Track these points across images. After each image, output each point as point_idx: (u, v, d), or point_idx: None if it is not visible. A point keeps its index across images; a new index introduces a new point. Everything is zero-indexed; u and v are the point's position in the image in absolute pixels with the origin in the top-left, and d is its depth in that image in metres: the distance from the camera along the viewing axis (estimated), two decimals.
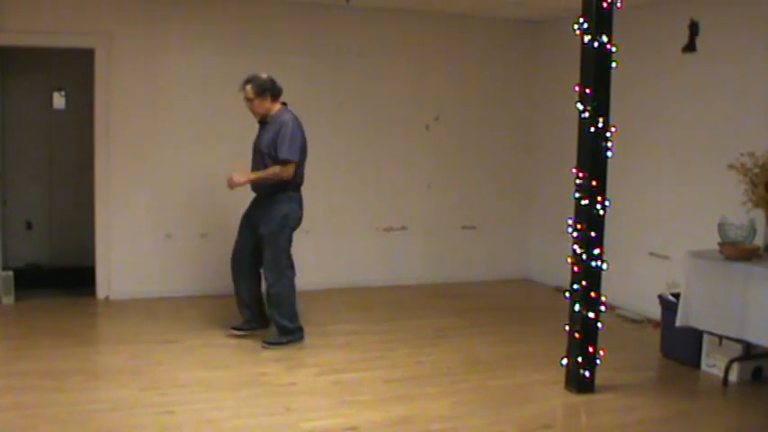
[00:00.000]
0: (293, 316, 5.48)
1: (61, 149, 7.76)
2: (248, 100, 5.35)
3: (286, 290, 5.42)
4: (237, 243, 5.63)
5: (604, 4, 4.43)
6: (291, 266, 5.49)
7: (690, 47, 6.03)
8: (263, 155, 5.34)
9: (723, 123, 5.78)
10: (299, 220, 5.47)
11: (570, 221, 4.69)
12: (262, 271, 5.55)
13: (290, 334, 5.46)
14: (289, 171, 5.25)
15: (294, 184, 5.38)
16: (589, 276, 4.59)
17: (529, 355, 5.48)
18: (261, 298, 5.70)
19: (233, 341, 5.57)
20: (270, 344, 5.43)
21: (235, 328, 5.65)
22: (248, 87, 5.32)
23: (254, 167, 5.42)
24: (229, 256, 5.68)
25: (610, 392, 4.73)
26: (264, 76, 5.37)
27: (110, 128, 6.61)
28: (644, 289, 6.29)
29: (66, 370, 4.85)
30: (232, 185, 5.34)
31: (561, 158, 6.45)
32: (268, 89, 5.33)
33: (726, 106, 5.77)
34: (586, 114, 4.52)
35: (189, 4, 6.74)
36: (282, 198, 5.34)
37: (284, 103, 5.45)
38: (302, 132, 5.37)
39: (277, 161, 5.26)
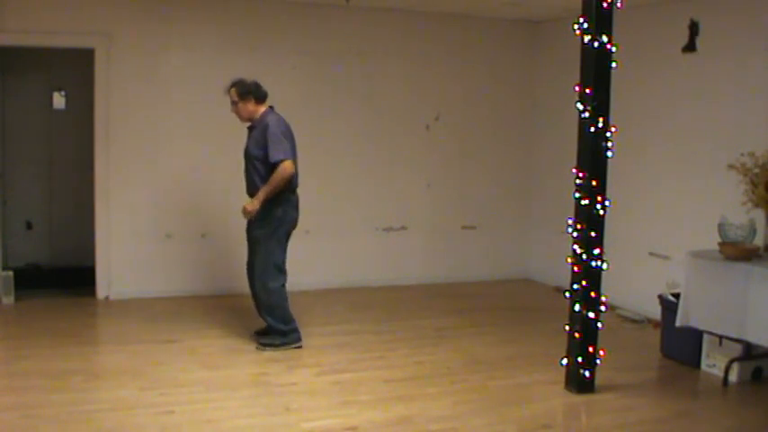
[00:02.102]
0: (287, 318, 5.44)
1: (61, 149, 7.76)
2: (233, 103, 5.37)
3: (276, 293, 5.38)
4: (248, 253, 5.58)
5: (604, 4, 4.44)
6: (281, 269, 5.42)
7: (690, 47, 6.03)
8: (250, 158, 5.33)
9: (723, 123, 5.78)
10: (293, 222, 5.43)
11: (570, 221, 4.69)
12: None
13: (285, 336, 5.43)
14: (286, 170, 5.18)
15: (289, 186, 5.36)
16: (589, 276, 4.59)
17: (529, 355, 5.48)
18: None
19: (233, 341, 5.57)
20: (264, 345, 5.40)
21: (258, 333, 5.59)
22: (232, 90, 5.36)
23: (246, 172, 5.40)
24: (229, 256, 5.66)
25: (610, 392, 4.73)
26: (249, 79, 5.38)
27: (110, 128, 6.61)
28: (644, 289, 6.29)
29: (66, 370, 4.85)
30: (248, 214, 5.26)
31: (561, 158, 6.45)
32: (251, 92, 5.33)
33: (726, 106, 5.77)
34: (586, 114, 4.52)
35: (189, 4, 6.74)
36: (277, 201, 5.29)
37: (271, 107, 5.44)
38: (288, 131, 5.34)
39: (269, 165, 5.22)
